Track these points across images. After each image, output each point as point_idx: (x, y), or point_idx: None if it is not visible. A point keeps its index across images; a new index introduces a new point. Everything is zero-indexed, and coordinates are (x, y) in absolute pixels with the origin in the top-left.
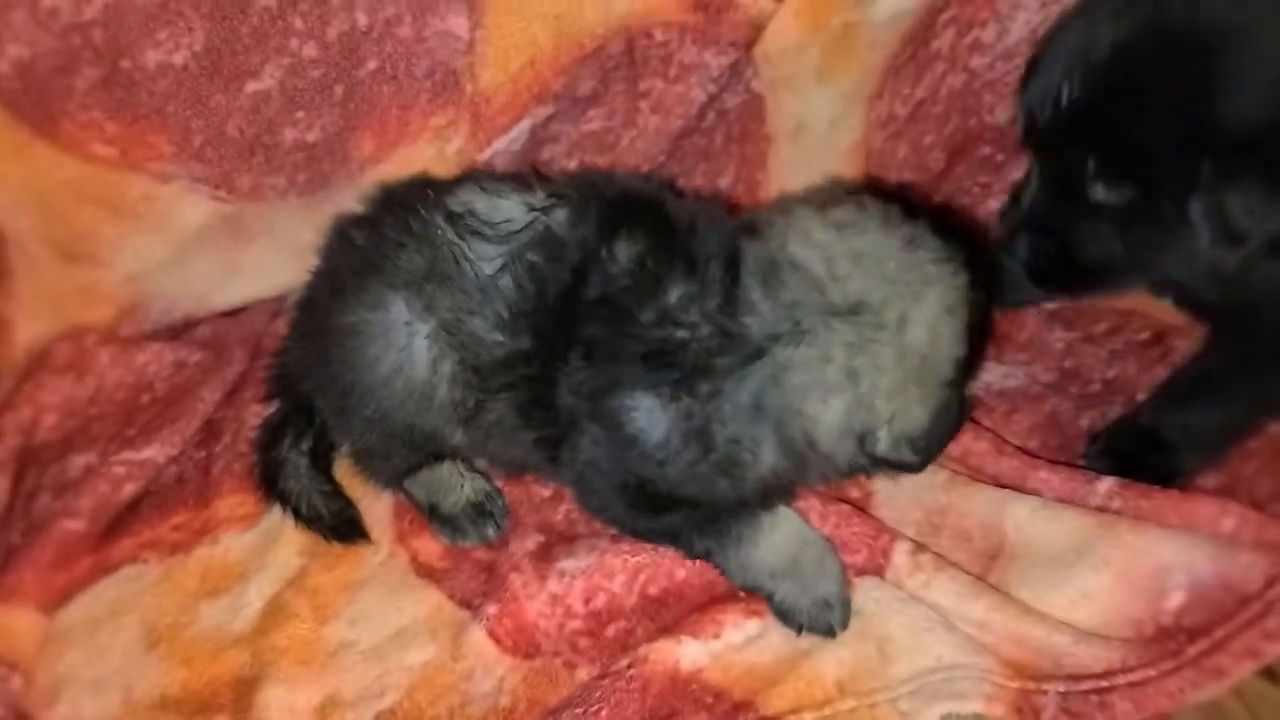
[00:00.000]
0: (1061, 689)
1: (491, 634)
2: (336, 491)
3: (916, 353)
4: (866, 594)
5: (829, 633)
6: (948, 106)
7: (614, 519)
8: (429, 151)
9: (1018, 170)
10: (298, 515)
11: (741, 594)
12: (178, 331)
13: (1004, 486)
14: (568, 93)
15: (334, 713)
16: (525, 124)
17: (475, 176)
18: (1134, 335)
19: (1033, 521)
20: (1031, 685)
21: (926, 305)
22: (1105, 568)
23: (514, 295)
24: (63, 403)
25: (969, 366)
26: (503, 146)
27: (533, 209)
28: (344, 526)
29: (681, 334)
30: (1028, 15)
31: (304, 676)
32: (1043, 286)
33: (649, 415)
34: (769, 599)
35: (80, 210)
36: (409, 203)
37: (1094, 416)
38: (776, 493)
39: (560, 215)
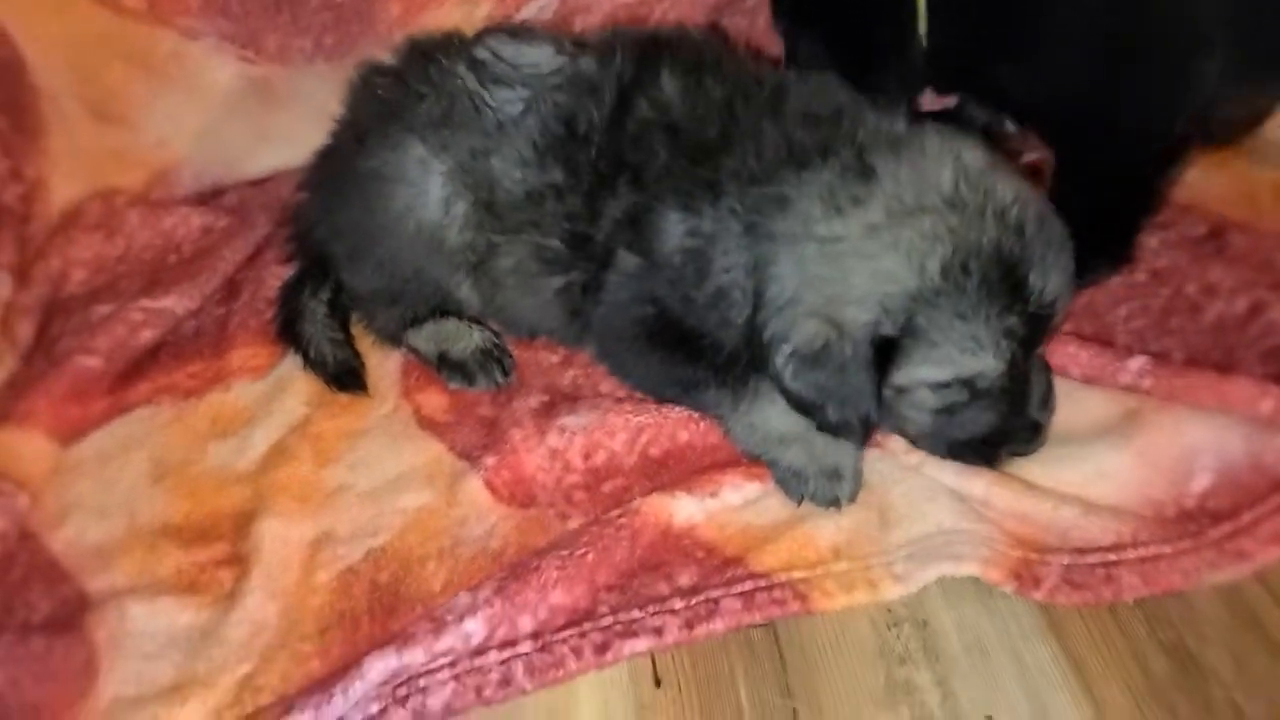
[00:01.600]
0: (1065, 561)
1: (488, 484)
2: (346, 342)
3: (844, 268)
4: (870, 465)
5: (834, 504)
6: None
7: (630, 367)
8: (456, 15)
9: None
10: (306, 359)
11: (745, 460)
12: (206, 198)
13: None
14: None
15: (326, 547)
16: None
17: (506, 26)
18: (1189, 230)
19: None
20: (1034, 556)
21: (890, 233)
22: (1125, 445)
23: (538, 133)
24: (92, 259)
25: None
26: (532, 14)
27: (560, 53)
28: (345, 375)
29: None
30: None
31: (300, 513)
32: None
33: (671, 228)
34: (773, 466)
35: (112, 66)
36: (432, 52)
37: (1133, 307)
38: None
39: (588, 59)
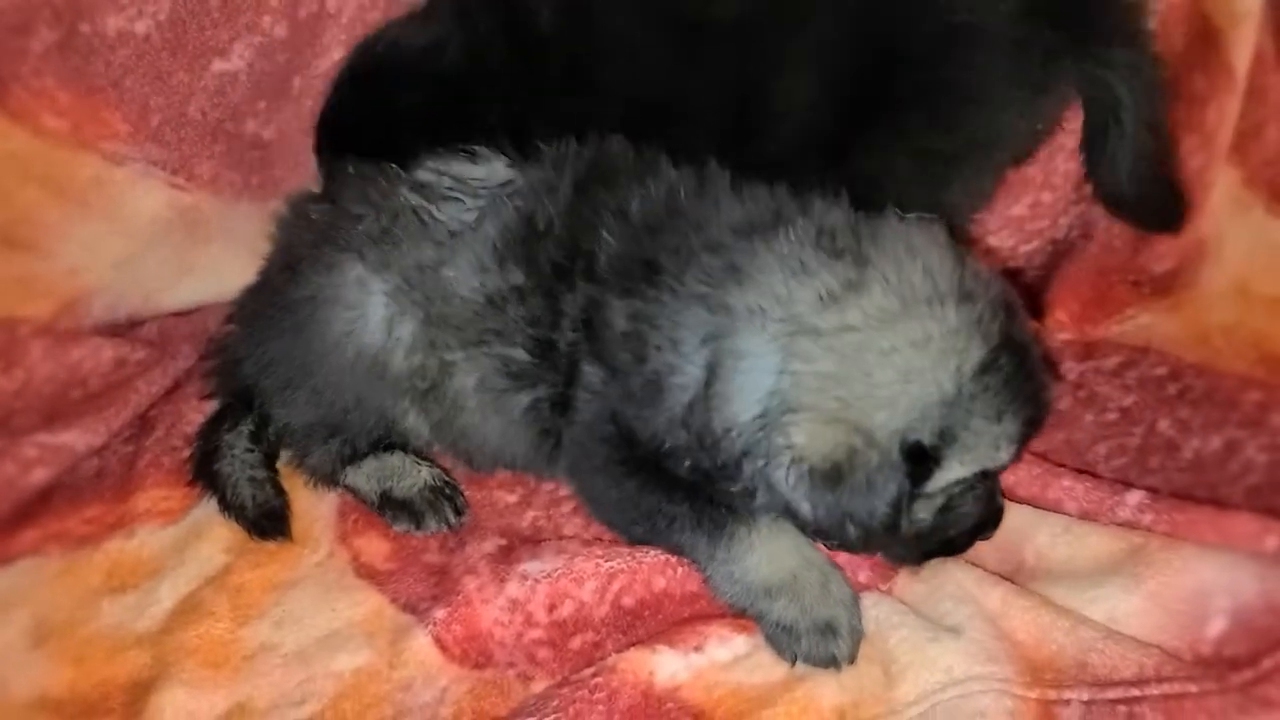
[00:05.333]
0: (1085, 697)
1: (438, 640)
2: (269, 481)
3: (861, 365)
4: (866, 612)
5: (831, 664)
6: None
7: (601, 498)
8: None
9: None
10: (223, 502)
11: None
12: (121, 329)
13: (1021, 498)
14: None
15: None
16: None
17: (448, 146)
18: (1149, 370)
19: (1054, 547)
20: (1052, 694)
21: (909, 324)
22: (1137, 588)
23: (497, 235)
24: None
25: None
26: None
27: (510, 166)
28: (267, 520)
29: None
30: None
31: (211, 680)
32: None
33: (615, 317)
34: (760, 621)
35: (25, 189)
36: (370, 176)
37: (1111, 446)
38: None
39: (539, 167)
